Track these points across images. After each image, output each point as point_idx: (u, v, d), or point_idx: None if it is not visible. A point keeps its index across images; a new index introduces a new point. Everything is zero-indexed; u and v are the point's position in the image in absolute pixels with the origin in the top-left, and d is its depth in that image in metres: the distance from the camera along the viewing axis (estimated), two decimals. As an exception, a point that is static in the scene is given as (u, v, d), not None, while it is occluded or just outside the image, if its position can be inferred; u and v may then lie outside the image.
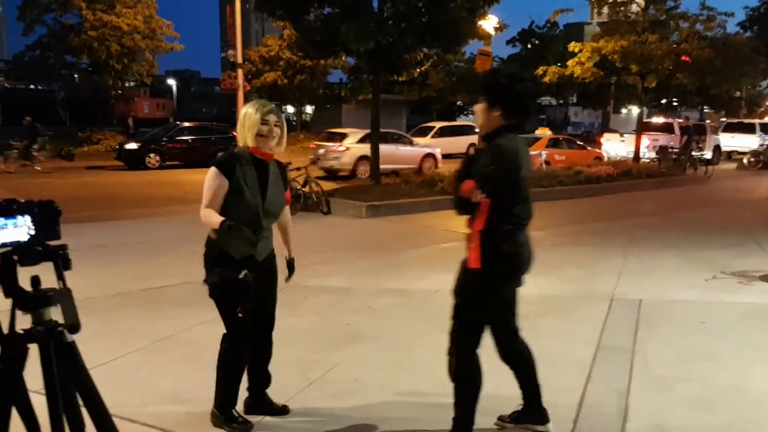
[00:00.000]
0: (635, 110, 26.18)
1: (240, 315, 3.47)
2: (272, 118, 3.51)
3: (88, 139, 27.44)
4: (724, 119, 40.40)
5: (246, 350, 3.61)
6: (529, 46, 52.09)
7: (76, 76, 37.04)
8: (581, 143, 23.86)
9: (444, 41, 13.95)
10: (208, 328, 5.35)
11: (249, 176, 3.49)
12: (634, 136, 23.85)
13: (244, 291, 3.44)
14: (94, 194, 15.34)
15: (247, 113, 3.52)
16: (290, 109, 51.01)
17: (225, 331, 3.62)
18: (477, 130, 3.40)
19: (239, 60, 22.16)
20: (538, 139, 21.22)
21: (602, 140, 28.09)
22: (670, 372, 4.43)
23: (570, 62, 22.06)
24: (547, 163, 18.73)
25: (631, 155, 22.41)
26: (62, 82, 38.25)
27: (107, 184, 17.78)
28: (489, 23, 16.39)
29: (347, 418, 3.78)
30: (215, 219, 3.38)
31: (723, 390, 4.15)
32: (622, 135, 27.62)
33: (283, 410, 3.85)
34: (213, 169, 3.49)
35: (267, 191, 3.54)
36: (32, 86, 64.02)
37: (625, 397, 3.97)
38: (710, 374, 4.41)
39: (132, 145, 23.13)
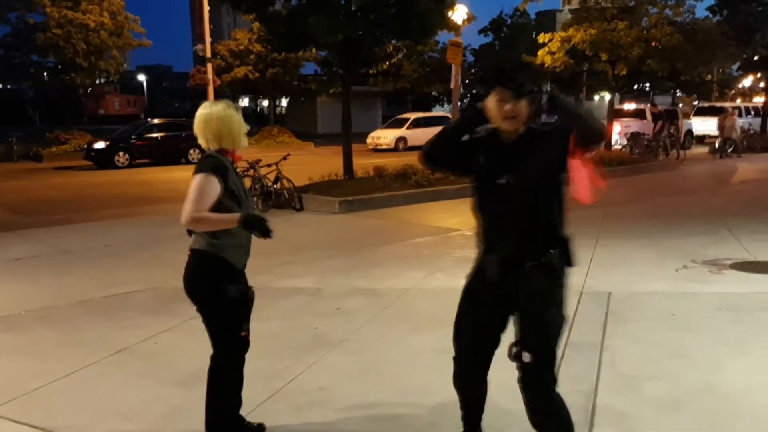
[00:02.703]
0: (608, 96, 26.26)
1: (243, 333, 3.35)
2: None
3: (56, 140, 26.96)
4: (696, 102, 40.65)
5: (240, 366, 3.45)
6: (502, 35, 52.01)
7: (45, 74, 36.34)
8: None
9: (413, 33, 13.82)
10: (170, 338, 5.25)
11: (237, 183, 3.29)
12: (605, 123, 23.84)
13: (249, 308, 3.36)
14: (63, 196, 15.05)
15: (228, 115, 3.25)
16: (265, 102, 50.52)
17: (202, 345, 3.44)
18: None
19: (208, 54, 21.86)
20: None
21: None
22: (638, 370, 4.36)
23: (540, 52, 21.97)
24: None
25: (604, 142, 22.42)
26: (30, 81, 37.46)
27: (76, 185, 17.45)
28: (458, 14, 16.25)
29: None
30: (227, 217, 3.16)
31: (692, 389, 4.08)
32: None
33: (259, 429, 3.62)
34: (210, 176, 3.17)
35: (247, 195, 3.38)
36: (0, 86, 62.94)
37: (592, 398, 3.89)
38: (680, 372, 4.34)
39: (100, 144, 22.71)
